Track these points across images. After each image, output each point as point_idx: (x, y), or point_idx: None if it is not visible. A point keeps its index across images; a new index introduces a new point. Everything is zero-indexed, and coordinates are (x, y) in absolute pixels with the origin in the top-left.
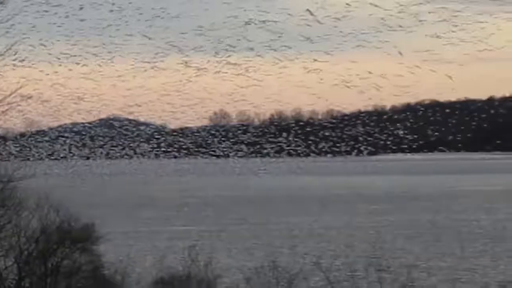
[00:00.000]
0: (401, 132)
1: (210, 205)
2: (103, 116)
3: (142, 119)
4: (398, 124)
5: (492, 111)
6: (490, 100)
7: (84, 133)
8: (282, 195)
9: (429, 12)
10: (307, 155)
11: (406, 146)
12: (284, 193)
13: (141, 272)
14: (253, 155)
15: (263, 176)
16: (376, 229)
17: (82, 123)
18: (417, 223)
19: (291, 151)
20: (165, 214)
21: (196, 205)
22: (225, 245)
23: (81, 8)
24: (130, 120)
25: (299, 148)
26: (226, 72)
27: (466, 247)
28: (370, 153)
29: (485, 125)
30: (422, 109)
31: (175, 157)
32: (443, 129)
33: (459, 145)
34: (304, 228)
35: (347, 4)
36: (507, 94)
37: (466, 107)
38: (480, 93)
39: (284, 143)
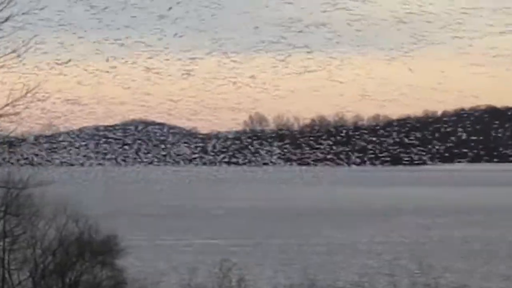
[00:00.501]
0: (461, 137)
1: (242, 216)
2: (126, 119)
3: (170, 123)
4: (459, 129)
5: None
6: None
7: (106, 136)
8: (321, 207)
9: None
10: (351, 163)
11: (462, 154)
12: (324, 204)
13: None
14: (292, 162)
15: (301, 186)
16: (425, 245)
17: (106, 126)
18: (469, 239)
19: (333, 159)
20: (193, 225)
21: (226, 216)
22: (258, 260)
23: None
24: (157, 124)
25: (341, 156)
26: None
27: None
28: (420, 163)
29: None
30: (476, 114)
31: (209, 163)
32: (500, 136)
33: None
34: (344, 243)
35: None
36: None
37: None
38: None
39: (326, 150)
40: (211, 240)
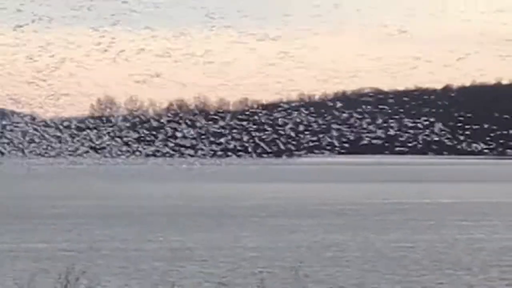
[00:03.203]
0: (335, 130)
1: (78, 217)
2: None
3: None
4: (329, 118)
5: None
6: (446, 89)
7: None
8: (173, 205)
9: None
10: (213, 155)
11: (336, 147)
12: (177, 203)
13: None
14: (146, 154)
15: (152, 181)
16: (289, 251)
17: None
18: (342, 245)
19: (192, 149)
20: (20, 227)
21: (59, 216)
22: (100, 269)
23: None
24: None
25: (203, 146)
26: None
27: (402, 276)
28: (290, 154)
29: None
30: (361, 99)
31: (45, 154)
32: (386, 125)
33: (397, 146)
34: (194, 247)
35: None
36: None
37: (418, 98)
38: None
39: (186, 139)
40: (42, 244)
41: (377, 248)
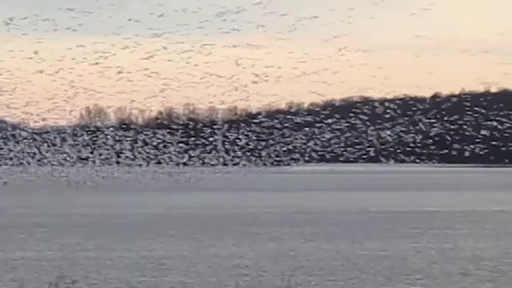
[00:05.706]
0: (322, 137)
1: (59, 226)
2: None
3: None
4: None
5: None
6: (435, 97)
7: None
8: (152, 215)
9: None
10: (202, 163)
11: (322, 155)
12: (156, 212)
13: None
14: (136, 163)
15: (134, 191)
16: (269, 259)
17: None
18: (321, 253)
19: (181, 158)
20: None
21: (40, 225)
22: (83, 279)
23: None
24: None
25: (193, 154)
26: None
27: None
28: (278, 163)
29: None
30: (350, 109)
31: (38, 162)
32: (373, 133)
33: (380, 154)
34: (173, 257)
35: None
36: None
37: (404, 106)
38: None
39: (176, 147)
40: (23, 253)
41: (359, 256)
